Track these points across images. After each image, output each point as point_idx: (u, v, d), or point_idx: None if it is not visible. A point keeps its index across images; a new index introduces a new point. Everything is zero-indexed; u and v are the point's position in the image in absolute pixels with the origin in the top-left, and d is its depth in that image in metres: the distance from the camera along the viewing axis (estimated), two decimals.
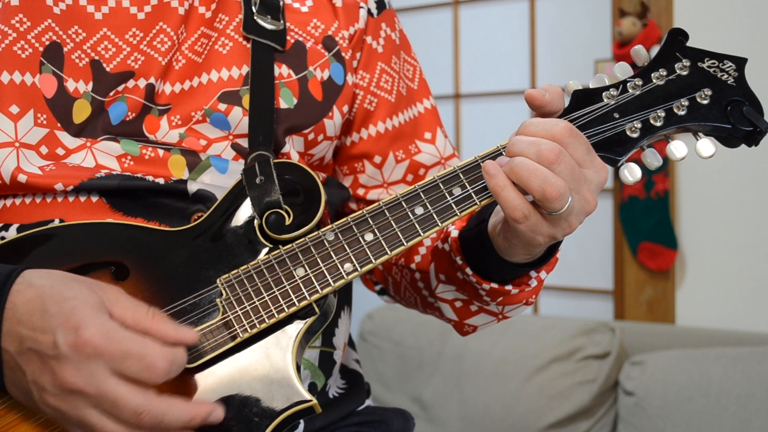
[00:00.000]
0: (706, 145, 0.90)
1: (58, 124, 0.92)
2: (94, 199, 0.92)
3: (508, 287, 0.94)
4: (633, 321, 2.46)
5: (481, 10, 2.81)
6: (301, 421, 0.99)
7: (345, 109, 1.04)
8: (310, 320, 0.87)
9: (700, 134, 0.91)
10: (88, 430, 0.78)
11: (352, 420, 1.07)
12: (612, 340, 2.29)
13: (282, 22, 1.01)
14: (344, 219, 0.88)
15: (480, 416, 2.35)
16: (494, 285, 0.94)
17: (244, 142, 0.97)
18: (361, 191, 1.12)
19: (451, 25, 2.87)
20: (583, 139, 0.84)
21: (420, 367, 2.54)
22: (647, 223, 2.40)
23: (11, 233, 0.90)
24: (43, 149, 0.92)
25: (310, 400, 0.84)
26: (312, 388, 1.02)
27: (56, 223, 0.90)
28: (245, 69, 0.98)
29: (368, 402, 1.14)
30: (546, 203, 0.81)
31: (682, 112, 0.89)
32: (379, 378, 2.64)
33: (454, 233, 0.97)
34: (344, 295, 1.08)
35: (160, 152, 0.94)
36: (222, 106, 0.96)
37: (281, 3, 1.03)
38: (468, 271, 0.95)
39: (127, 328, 0.78)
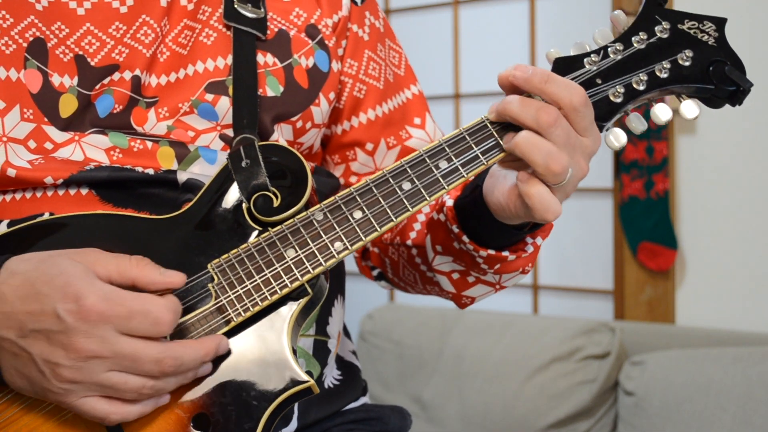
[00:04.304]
0: (690, 107, 0.91)
1: (45, 119, 0.92)
2: (84, 191, 0.92)
3: (505, 253, 0.95)
4: (633, 321, 2.46)
5: (481, 10, 2.81)
6: (295, 416, 0.99)
7: (331, 96, 1.05)
8: (303, 301, 0.87)
9: (684, 96, 0.91)
10: (110, 392, 0.79)
11: (348, 417, 1.07)
12: (612, 340, 2.29)
13: (263, 10, 1.02)
14: (332, 198, 0.89)
15: (480, 416, 2.35)
16: (491, 251, 0.95)
17: (231, 133, 0.97)
18: (353, 179, 1.13)
19: (451, 25, 2.87)
20: (592, 108, 0.86)
21: (420, 367, 2.54)
22: (647, 223, 2.40)
23: (2, 228, 0.91)
24: (31, 143, 0.92)
25: (308, 381, 0.85)
26: None
27: (46, 216, 0.91)
28: (230, 59, 0.98)
29: (365, 400, 1.13)
30: (549, 177, 0.84)
31: (664, 75, 0.90)
32: (379, 378, 2.64)
33: (449, 202, 0.98)
34: (337, 283, 1.08)
35: (149, 144, 0.94)
36: (209, 97, 0.96)
37: None
38: (465, 239, 0.95)
39: (113, 281, 0.80)
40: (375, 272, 1.20)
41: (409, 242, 1.10)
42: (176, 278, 0.83)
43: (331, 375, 1.07)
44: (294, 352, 0.86)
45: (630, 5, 2.39)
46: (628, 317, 2.48)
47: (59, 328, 0.77)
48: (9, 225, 0.91)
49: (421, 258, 1.08)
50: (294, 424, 0.99)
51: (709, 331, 2.28)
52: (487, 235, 0.95)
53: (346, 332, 1.15)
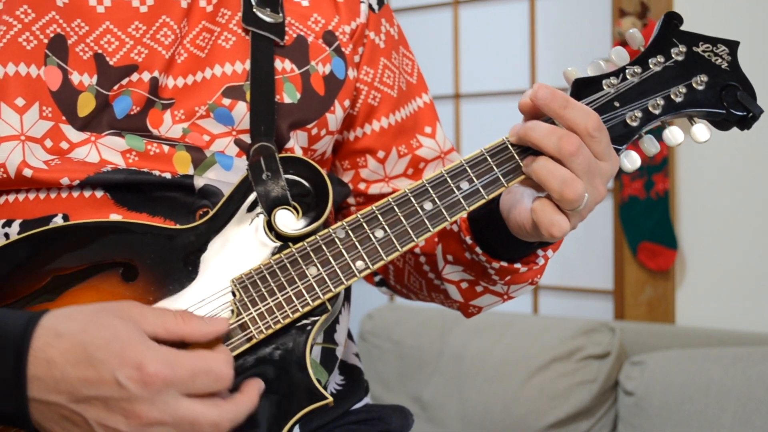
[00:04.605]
0: (702, 130, 0.92)
1: (63, 118, 0.91)
2: (99, 194, 0.91)
3: (517, 265, 0.96)
4: (633, 321, 2.46)
5: (481, 10, 2.81)
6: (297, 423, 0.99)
7: (346, 103, 1.04)
8: (322, 318, 0.87)
9: (695, 119, 0.93)
10: None
11: (350, 418, 1.07)
12: (612, 340, 2.29)
13: (281, 14, 1.01)
14: (354, 216, 0.88)
15: (480, 416, 2.35)
16: (504, 263, 0.95)
17: (247, 138, 0.96)
18: (362, 186, 1.12)
19: (451, 25, 2.87)
20: (606, 133, 0.87)
21: (420, 367, 2.54)
22: (647, 223, 2.40)
23: (14, 229, 0.89)
24: (48, 143, 0.91)
25: (328, 398, 0.85)
26: None
27: (59, 217, 0.89)
28: (248, 64, 0.98)
29: (367, 400, 1.13)
30: (564, 204, 0.84)
31: (679, 99, 0.91)
32: (379, 378, 2.64)
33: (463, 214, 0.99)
34: (344, 291, 1.08)
35: (165, 148, 0.93)
36: (226, 101, 0.96)
37: None
38: (477, 250, 0.96)
39: (158, 339, 0.78)
40: (377, 278, 1.20)
41: (417, 250, 1.10)
42: (222, 325, 0.81)
43: (334, 380, 1.07)
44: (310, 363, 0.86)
45: (630, 5, 2.39)
46: (628, 317, 2.48)
47: (120, 395, 0.74)
48: (21, 225, 0.89)
49: (430, 266, 1.08)
50: (296, 430, 0.99)
51: (709, 331, 2.28)
52: (500, 246, 0.96)
53: (349, 335, 1.15)
